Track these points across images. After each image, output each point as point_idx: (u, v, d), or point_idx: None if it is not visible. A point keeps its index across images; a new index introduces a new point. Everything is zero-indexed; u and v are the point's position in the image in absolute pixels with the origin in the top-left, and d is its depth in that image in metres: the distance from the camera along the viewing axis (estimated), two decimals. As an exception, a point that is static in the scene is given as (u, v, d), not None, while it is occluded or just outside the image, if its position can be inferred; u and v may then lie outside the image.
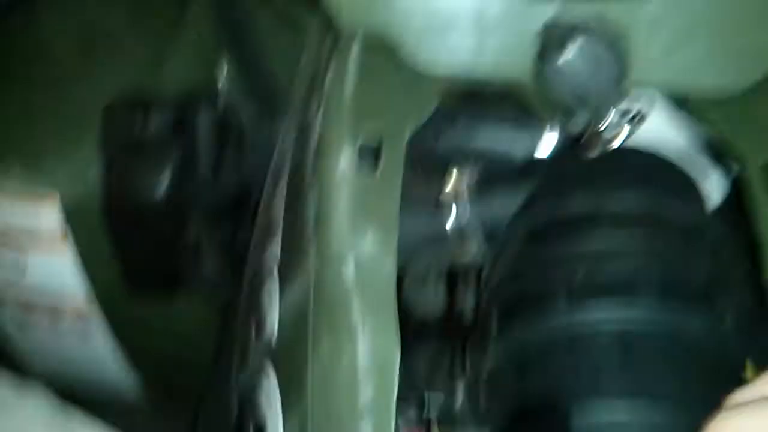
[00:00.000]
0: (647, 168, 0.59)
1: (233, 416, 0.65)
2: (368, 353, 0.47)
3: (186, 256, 0.78)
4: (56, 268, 0.78)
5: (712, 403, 0.48)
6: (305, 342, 0.51)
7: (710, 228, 0.58)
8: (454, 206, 0.63)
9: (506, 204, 0.62)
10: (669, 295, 0.51)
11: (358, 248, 0.50)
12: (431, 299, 0.77)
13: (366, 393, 0.46)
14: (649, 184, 0.58)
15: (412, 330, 0.76)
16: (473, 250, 0.64)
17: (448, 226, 0.63)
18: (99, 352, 0.88)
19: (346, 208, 0.51)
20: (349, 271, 0.49)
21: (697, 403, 0.48)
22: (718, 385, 0.49)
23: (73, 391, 0.97)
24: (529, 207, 0.61)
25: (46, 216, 0.74)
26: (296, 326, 0.53)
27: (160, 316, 0.84)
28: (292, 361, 0.53)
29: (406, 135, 0.54)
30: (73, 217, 0.74)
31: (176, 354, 0.78)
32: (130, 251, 0.77)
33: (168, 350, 0.83)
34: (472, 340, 0.59)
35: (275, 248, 0.60)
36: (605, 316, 0.51)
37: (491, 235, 0.63)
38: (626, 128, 0.57)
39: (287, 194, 0.61)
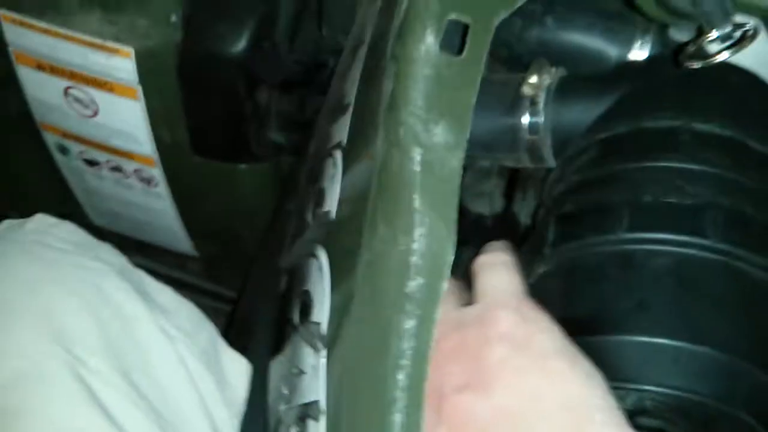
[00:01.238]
0: (744, 91, 0.56)
1: (281, 289, 0.66)
2: (423, 246, 0.46)
3: (254, 121, 0.78)
4: (126, 116, 0.79)
5: (764, 351, 0.47)
6: (362, 225, 0.51)
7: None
8: (529, 106, 0.61)
9: (586, 111, 0.60)
10: (735, 229, 0.49)
11: (428, 138, 0.49)
12: (488, 198, 0.77)
13: (414, 283, 0.46)
14: (742, 108, 0.55)
15: (465, 227, 0.76)
16: (542, 155, 0.63)
17: (521, 126, 0.61)
18: (160, 205, 0.90)
19: (422, 92, 0.49)
20: (416, 160, 0.48)
21: (745, 350, 0.47)
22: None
23: (132, 233, 1.01)
24: (610, 115, 0.58)
25: (120, 68, 0.74)
26: (355, 208, 0.53)
27: (222, 180, 0.85)
28: (346, 242, 0.53)
29: (496, 20, 0.52)
30: (147, 72, 0.74)
31: (233, 223, 0.79)
32: (199, 111, 0.77)
33: (225, 217, 0.84)
34: (529, 243, 0.58)
35: (344, 123, 0.60)
36: (664, 237, 0.49)
37: (564, 143, 0.61)
38: (734, 45, 0.53)
39: (364, 68, 0.60)
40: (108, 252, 0.68)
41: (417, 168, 0.48)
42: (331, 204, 0.57)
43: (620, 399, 0.49)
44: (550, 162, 0.63)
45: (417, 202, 0.47)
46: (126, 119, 0.80)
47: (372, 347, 0.48)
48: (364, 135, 0.54)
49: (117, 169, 0.88)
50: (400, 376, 0.46)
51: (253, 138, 0.79)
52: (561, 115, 0.60)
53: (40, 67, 0.80)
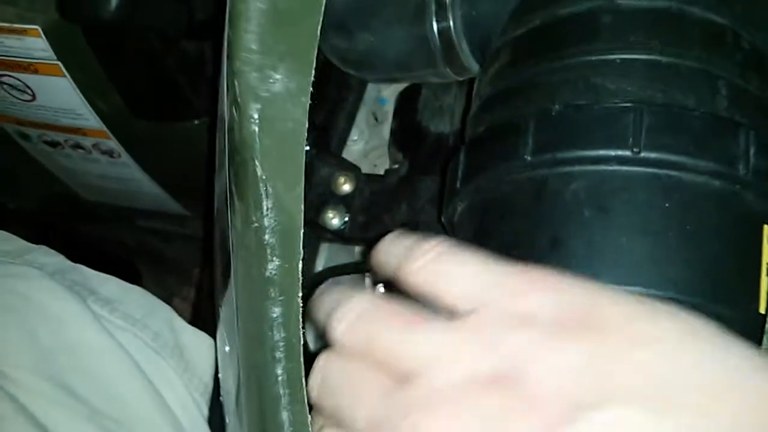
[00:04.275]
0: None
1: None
2: (273, 221, 0.39)
3: (184, 75, 0.71)
4: (60, 93, 0.75)
5: (708, 283, 0.38)
6: (226, 201, 0.44)
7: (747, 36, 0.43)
8: (435, 9, 0.51)
9: (500, 2, 0.49)
10: (669, 129, 0.39)
11: (266, 88, 0.40)
12: (449, 114, 0.67)
13: (272, 265, 0.39)
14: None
15: (428, 150, 0.67)
16: (462, 63, 0.53)
17: (431, 34, 0.52)
18: (131, 174, 0.86)
19: (256, 32, 0.41)
20: (254, 118, 0.40)
21: (687, 285, 0.38)
22: (718, 255, 0.38)
23: (123, 203, 0.99)
24: (525, 5, 0.48)
25: (35, 48, 0.69)
26: (222, 181, 0.46)
27: (178, 139, 0.79)
28: (221, 222, 0.47)
29: None
30: (60, 46, 0.69)
31: (196, 170, 0.74)
32: (122, 76, 0.71)
33: (196, 175, 0.79)
34: (448, 177, 0.49)
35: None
36: (576, 154, 0.40)
37: (484, 45, 0.51)
38: None
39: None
40: (43, 254, 0.65)
41: (255, 128, 0.40)
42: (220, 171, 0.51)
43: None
44: (475, 69, 0.53)
45: (259, 169, 0.40)
46: (61, 96, 0.75)
47: (253, 337, 0.42)
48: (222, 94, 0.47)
49: (78, 146, 0.84)
50: (279, 371, 0.40)
51: (190, 91, 0.72)
52: (472, 11, 0.50)
53: (-33, 61, 0.76)
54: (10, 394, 0.54)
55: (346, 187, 0.64)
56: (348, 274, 0.65)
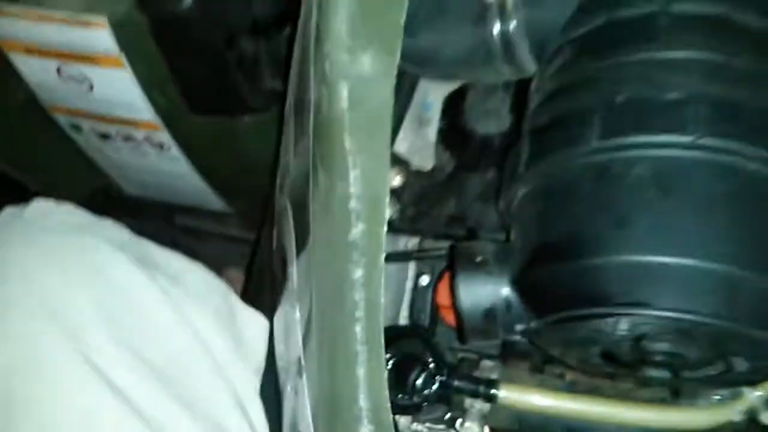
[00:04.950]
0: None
1: (274, 243, 0.64)
2: (359, 189, 0.42)
3: (242, 71, 0.74)
4: (119, 86, 0.78)
5: (762, 258, 0.41)
6: (307, 173, 0.47)
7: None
8: (498, 12, 0.55)
9: (560, 6, 0.53)
10: (725, 120, 0.42)
11: (355, 69, 0.44)
12: (495, 116, 0.71)
13: (356, 230, 0.42)
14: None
15: (474, 150, 0.71)
16: (522, 63, 0.56)
17: (493, 35, 0.55)
18: (178, 168, 0.89)
19: (346, 18, 0.45)
20: (343, 96, 0.44)
21: (742, 257, 0.41)
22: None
23: (165, 198, 1.02)
24: (584, 8, 0.51)
25: (99, 39, 0.72)
26: (302, 155, 0.49)
27: (228, 136, 0.83)
28: (299, 193, 0.50)
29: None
30: (125, 39, 0.72)
31: (250, 177, 0.77)
32: (183, 70, 0.74)
33: (243, 173, 0.82)
34: (508, 163, 0.53)
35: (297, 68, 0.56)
36: (641, 140, 0.43)
37: (543, 45, 0.54)
38: None
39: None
40: (109, 228, 0.67)
41: (344, 104, 0.43)
42: (289, 152, 0.54)
43: (612, 326, 0.44)
44: (532, 68, 0.56)
45: (348, 142, 0.43)
46: (119, 89, 0.78)
47: (332, 299, 0.45)
48: (304, 75, 0.50)
49: (129, 138, 0.87)
50: (358, 329, 0.43)
51: (246, 89, 0.76)
52: (534, 15, 0.54)
53: (29, 51, 0.79)
54: (90, 360, 0.56)
55: (397, 180, 0.67)
56: (397, 261, 0.68)
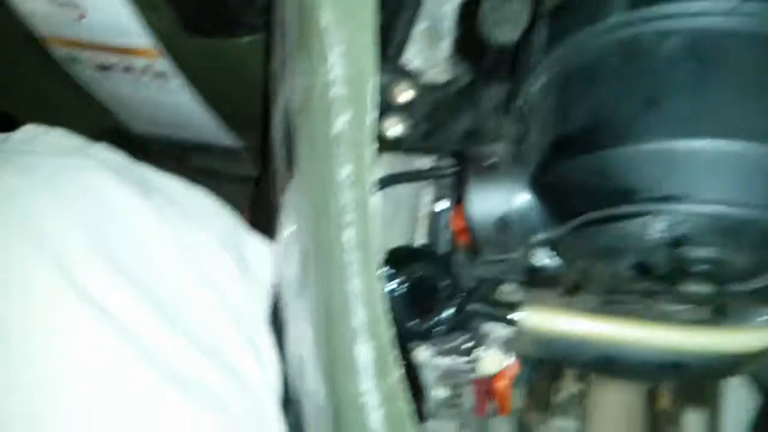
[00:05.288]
0: None
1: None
2: (343, 69, 0.37)
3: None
4: (111, 8, 0.73)
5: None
6: (293, 62, 0.41)
7: None
8: None
9: None
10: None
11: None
12: (512, 24, 0.64)
13: (341, 120, 0.37)
14: None
15: (491, 60, 0.64)
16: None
17: None
18: (182, 99, 0.84)
19: None
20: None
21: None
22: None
23: (174, 135, 0.97)
24: None
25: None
26: (290, 41, 0.43)
27: (230, 60, 0.77)
28: (291, 86, 0.44)
29: None
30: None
31: (258, 105, 0.72)
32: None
33: (250, 100, 0.77)
34: (519, 61, 0.46)
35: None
36: (675, 8, 0.36)
37: None
38: None
39: None
40: (102, 150, 0.63)
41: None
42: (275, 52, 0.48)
43: (645, 227, 0.38)
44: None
45: (327, 13, 0.37)
46: (112, 12, 0.73)
47: (320, 205, 0.39)
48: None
49: (128, 69, 0.82)
50: (348, 236, 0.37)
51: (239, 5, 0.70)
52: None
53: (17, -26, 0.75)
54: (70, 274, 0.52)
55: (407, 95, 0.61)
56: (409, 181, 0.63)
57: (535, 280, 0.54)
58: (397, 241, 0.64)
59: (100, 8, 0.74)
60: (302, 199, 0.42)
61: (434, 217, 0.63)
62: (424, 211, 0.66)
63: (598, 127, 0.38)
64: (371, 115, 0.36)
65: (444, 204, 0.64)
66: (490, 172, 0.43)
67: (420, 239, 0.65)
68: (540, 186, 0.42)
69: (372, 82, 0.36)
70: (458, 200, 0.62)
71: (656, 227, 0.38)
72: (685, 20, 0.37)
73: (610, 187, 0.38)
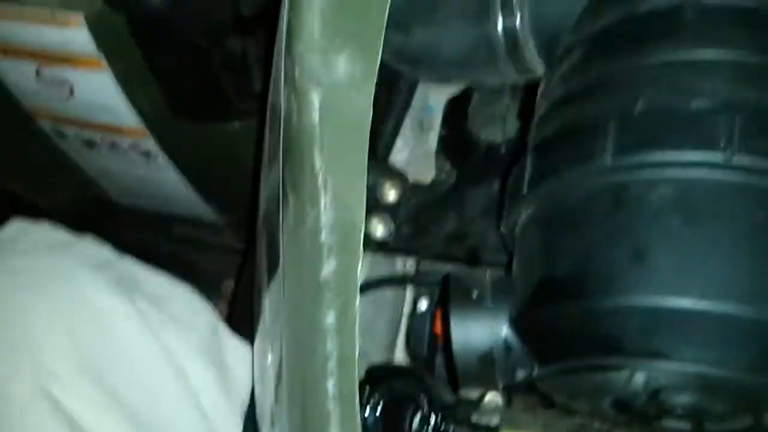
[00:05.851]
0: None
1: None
2: (331, 217, 0.36)
3: (228, 72, 0.68)
4: (100, 88, 0.73)
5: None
6: (278, 198, 0.41)
7: None
8: (501, 6, 0.48)
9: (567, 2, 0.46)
10: (762, 134, 0.36)
11: (329, 73, 0.38)
12: (501, 122, 0.64)
13: (328, 267, 0.36)
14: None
15: (478, 159, 0.64)
16: (527, 63, 0.50)
17: (496, 31, 0.49)
18: (167, 177, 0.84)
19: (320, 15, 0.38)
20: (314, 106, 0.37)
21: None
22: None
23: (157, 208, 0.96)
24: (598, 2, 0.45)
25: (76, 39, 0.67)
26: (274, 176, 0.43)
27: (218, 143, 0.77)
28: (271, 220, 0.44)
29: None
30: (103, 38, 0.67)
31: (242, 186, 0.71)
32: (166, 70, 0.69)
33: (234, 181, 0.76)
34: (511, 182, 0.46)
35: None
36: (664, 158, 0.36)
37: (552, 44, 0.48)
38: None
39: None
40: (88, 247, 0.63)
41: (315, 116, 0.37)
42: (263, 168, 0.48)
43: (625, 379, 0.37)
44: (540, 69, 0.50)
45: (318, 161, 0.37)
46: (100, 91, 0.73)
47: (302, 347, 0.39)
48: (277, 82, 0.44)
49: (114, 146, 0.82)
50: (330, 385, 0.37)
51: (233, 91, 0.70)
52: (541, 9, 0.48)
53: (6, 52, 0.74)
54: (53, 396, 0.52)
55: (392, 196, 0.61)
56: (391, 286, 0.62)
57: (515, 389, 0.54)
58: (378, 343, 0.64)
59: (88, 86, 0.74)
60: (286, 335, 0.41)
61: (415, 318, 0.62)
62: (404, 312, 0.66)
63: (583, 276, 0.37)
64: (358, 264, 0.35)
65: (424, 304, 0.64)
66: (475, 305, 0.42)
67: (400, 341, 0.64)
68: (522, 325, 0.41)
69: (360, 232, 0.35)
70: (439, 302, 0.61)
71: (637, 379, 0.37)
72: (674, 170, 0.36)
73: (592, 337, 0.37)
